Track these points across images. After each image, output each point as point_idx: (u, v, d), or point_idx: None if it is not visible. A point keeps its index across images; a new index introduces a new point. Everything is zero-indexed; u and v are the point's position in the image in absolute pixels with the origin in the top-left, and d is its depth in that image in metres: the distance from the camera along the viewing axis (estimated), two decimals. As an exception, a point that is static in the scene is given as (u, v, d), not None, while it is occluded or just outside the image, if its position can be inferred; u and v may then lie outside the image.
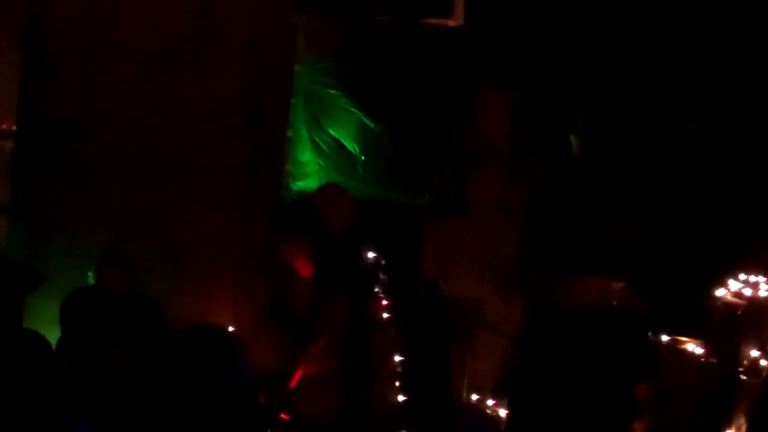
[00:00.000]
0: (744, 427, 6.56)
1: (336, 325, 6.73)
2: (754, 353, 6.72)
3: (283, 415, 6.62)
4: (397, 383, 7.32)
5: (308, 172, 8.74)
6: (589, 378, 5.40)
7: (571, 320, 5.59)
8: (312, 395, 6.69)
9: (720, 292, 7.18)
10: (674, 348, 7.29)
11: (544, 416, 5.33)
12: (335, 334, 6.73)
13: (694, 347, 7.23)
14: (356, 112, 8.68)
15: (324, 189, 7.78)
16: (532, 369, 5.52)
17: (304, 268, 6.85)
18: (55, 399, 6.15)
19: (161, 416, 5.13)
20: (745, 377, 6.74)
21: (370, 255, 7.47)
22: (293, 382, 6.68)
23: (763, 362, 6.76)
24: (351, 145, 8.69)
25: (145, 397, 5.38)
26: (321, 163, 8.75)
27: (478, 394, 8.37)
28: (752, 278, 7.23)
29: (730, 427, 6.65)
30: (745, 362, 6.76)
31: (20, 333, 6.35)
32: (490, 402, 8.04)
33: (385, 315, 7.35)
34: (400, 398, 7.26)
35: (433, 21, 8.71)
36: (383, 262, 7.56)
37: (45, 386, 6.22)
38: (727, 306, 7.11)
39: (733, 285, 7.21)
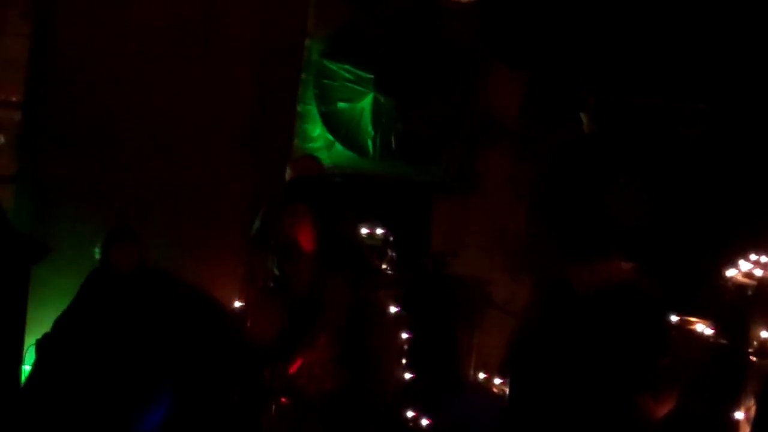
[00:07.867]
0: (753, 409, 6.51)
1: (337, 312, 6.63)
2: (765, 334, 6.66)
3: (283, 399, 6.56)
4: (403, 361, 7.29)
5: (318, 147, 8.70)
6: (595, 357, 5.35)
7: (579, 299, 5.54)
8: (309, 374, 6.62)
9: (730, 273, 7.12)
10: (683, 329, 7.24)
11: (545, 388, 5.28)
12: (336, 320, 6.63)
13: (703, 328, 7.17)
14: (366, 87, 8.65)
15: (299, 159, 7.87)
16: (535, 341, 5.47)
17: (306, 242, 6.75)
18: (139, 369, 6.28)
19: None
20: (754, 358, 6.68)
21: (378, 231, 7.43)
22: (293, 368, 6.61)
23: (773, 343, 6.72)
24: (361, 121, 8.65)
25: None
26: (331, 138, 8.72)
27: (485, 373, 8.35)
28: (763, 258, 7.15)
29: (739, 409, 6.60)
30: (755, 343, 6.71)
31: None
32: (497, 380, 8.01)
33: (392, 293, 7.30)
34: (407, 376, 7.23)
35: (446, -4, 8.68)
36: (391, 238, 7.52)
37: (132, 355, 6.37)
38: (738, 286, 7.05)
39: (744, 265, 7.14)
